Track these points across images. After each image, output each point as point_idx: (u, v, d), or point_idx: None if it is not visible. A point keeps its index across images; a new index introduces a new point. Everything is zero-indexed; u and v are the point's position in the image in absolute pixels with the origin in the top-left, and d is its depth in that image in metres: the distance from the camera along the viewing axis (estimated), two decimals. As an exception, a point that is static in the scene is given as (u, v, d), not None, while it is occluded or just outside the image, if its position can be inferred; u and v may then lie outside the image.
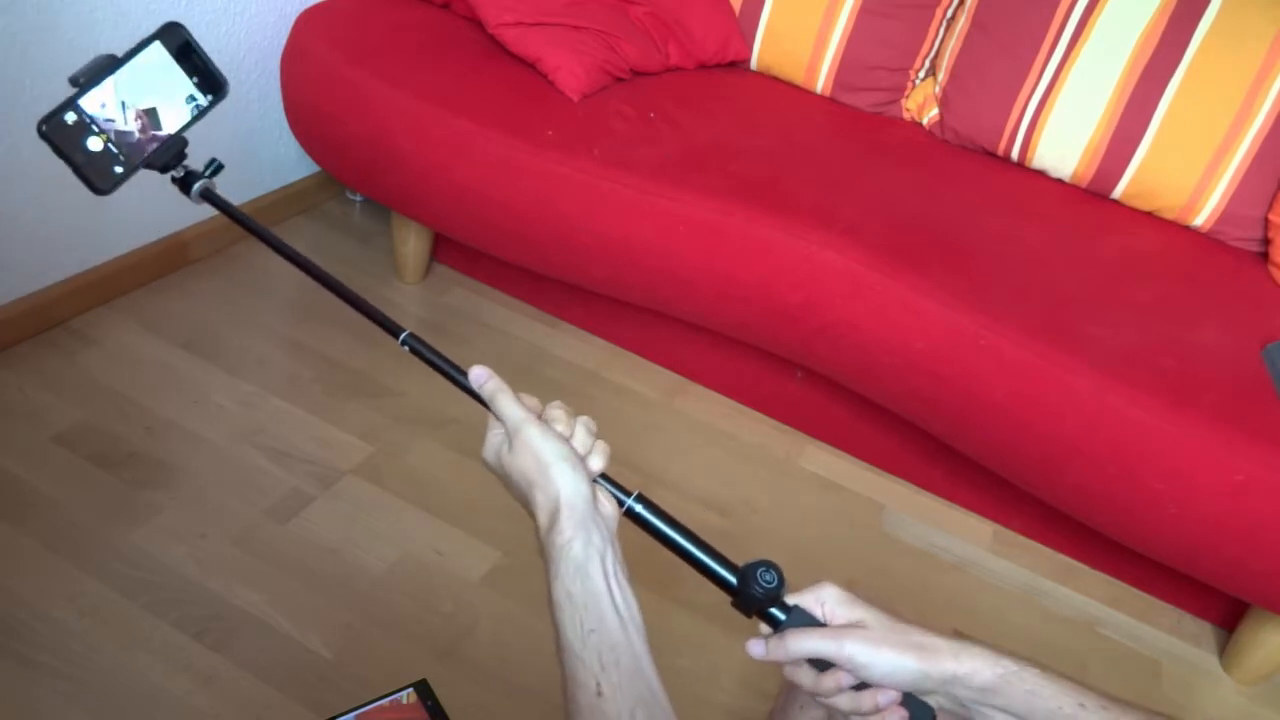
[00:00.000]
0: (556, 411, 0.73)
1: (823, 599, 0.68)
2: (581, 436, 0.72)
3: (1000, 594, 1.56)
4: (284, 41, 1.70)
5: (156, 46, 0.77)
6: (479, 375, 0.73)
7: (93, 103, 0.73)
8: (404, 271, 1.96)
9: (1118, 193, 1.68)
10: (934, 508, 1.69)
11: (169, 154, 0.79)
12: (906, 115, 1.84)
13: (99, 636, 1.22)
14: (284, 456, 1.52)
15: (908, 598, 1.51)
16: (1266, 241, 1.60)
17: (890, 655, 0.64)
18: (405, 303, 1.93)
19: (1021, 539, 1.66)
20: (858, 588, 0.69)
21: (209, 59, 0.80)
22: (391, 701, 1.06)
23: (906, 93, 1.83)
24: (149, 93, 0.77)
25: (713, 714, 1.29)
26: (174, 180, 0.80)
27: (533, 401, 0.74)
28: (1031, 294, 1.39)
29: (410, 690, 1.07)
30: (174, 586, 1.29)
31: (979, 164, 1.73)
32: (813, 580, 0.70)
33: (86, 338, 1.66)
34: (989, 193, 1.64)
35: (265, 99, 1.90)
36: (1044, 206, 1.65)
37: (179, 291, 1.81)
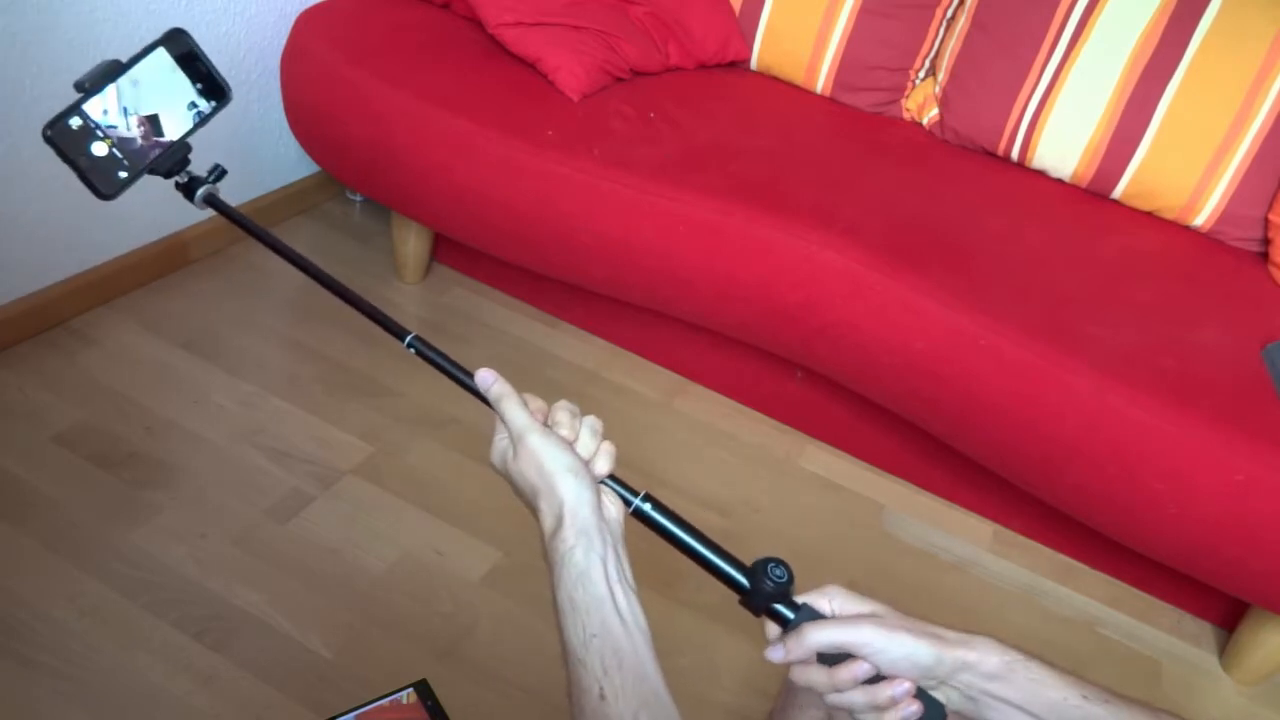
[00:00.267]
0: (562, 414, 0.73)
1: (830, 597, 0.68)
2: (586, 439, 0.72)
3: (1000, 594, 1.56)
4: (284, 41, 1.70)
5: (160, 53, 0.77)
6: (485, 378, 0.73)
7: (96, 108, 0.73)
8: (404, 271, 1.96)
9: (1118, 193, 1.68)
10: (934, 508, 1.69)
11: (173, 159, 0.79)
12: (906, 115, 1.84)
13: (99, 636, 1.22)
14: (284, 456, 1.52)
15: (908, 597, 1.51)
16: (1266, 241, 1.60)
17: (906, 640, 0.64)
18: (405, 303, 1.93)
19: (1021, 539, 1.66)
20: (858, 588, 0.69)
21: (212, 65, 0.80)
22: (391, 701, 1.06)
23: (906, 93, 1.83)
24: (152, 99, 0.77)
25: (713, 713, 1.29)
26: (178, 186, 0.80)
27: (538, 402, 0.74)
28: (1031, 294, 1.39)
29: (410, 690, 1.07)
30: (174, 586, 1.29)
31: (979, 164, 1.73)
32: (814, 580, 0.70)
33: (86, 338, 1.66)
34: (989, 193, 1.64)
35: (265, 99, 1.90)
36: (1044, 206, 1.65)
37: (179, 291, 1.81)
